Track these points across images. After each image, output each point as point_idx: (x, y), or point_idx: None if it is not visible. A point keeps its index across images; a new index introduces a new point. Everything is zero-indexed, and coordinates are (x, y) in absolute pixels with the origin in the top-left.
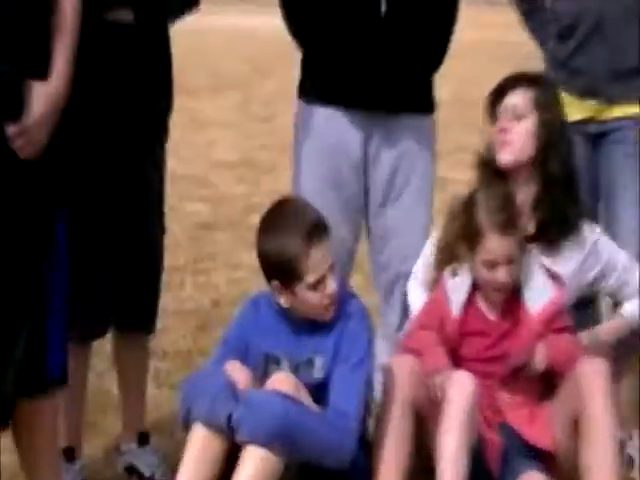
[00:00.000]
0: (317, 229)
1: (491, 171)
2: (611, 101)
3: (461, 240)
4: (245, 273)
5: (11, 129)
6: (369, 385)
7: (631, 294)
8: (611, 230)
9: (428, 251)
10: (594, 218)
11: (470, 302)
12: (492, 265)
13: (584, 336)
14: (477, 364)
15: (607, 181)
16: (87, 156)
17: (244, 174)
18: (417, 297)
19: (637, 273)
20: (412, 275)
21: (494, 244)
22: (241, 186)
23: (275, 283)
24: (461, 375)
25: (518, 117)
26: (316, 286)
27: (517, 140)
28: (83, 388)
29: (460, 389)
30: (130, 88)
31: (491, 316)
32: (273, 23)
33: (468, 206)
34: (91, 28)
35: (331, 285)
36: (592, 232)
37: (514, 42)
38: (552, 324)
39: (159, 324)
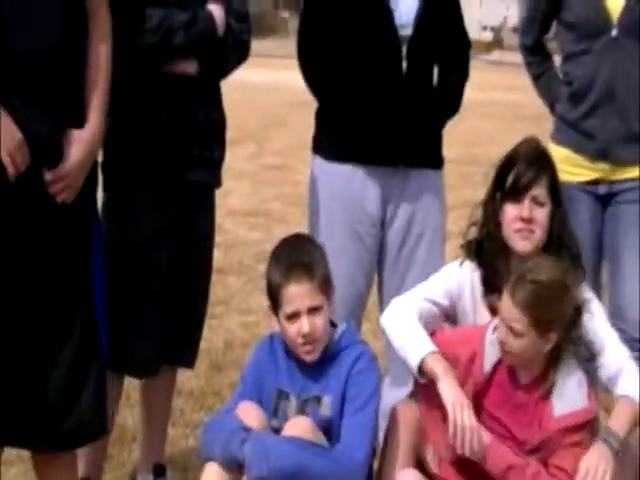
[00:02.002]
0: (299, 267)
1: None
2: (622, 164)
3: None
4: (256, 317)
5: (48, 176)
6: (374, 427)
7: (618, 370)
8: (617, 292)
9: (436, 289)
10: (597, 275)
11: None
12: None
13: (600, 445)
14: (492, 422)
15: (614, 243)
16: (146, 200)
17: (257, 222)
18: (406, 325)
19: (623, 348)
20: (407, 296)
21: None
22: (253, 233)
23: (269, 305)
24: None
25: (540, 204)
26: (291, 319)
27: (539, 229)
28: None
29: None
30: (189, 140)
31: (520, 382)
32: (281, 77)
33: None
34: (153, 81)
35: (305, 325)
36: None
37: (516, 102)
38: (569, 434)
39: None
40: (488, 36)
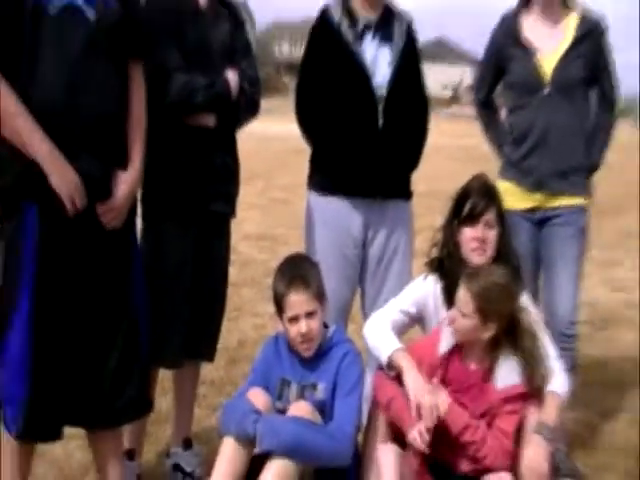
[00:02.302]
0: (298, 280)
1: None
2: (554, 194)
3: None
4: (265, 320)
5: (101, 208)
6: (360, 408)
7: (551, 369)
8: (551, 296)
9: (406, 300)
10: (535, 282)
11: (456, 348)
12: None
13: (533, 431)
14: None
15: (548, 257)
16: (174, 229)
17: (265, 245)
18: (380, 331)
19: (553, 349)
20: (383, 310)
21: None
22: (262, 254)
23: (275, 310)
24: (387, 449)
25: (490, 227)
26: (292, 321)
27: (490, 247)
28: None
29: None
30: (209, 180)
31: (469, 366)
32: (284, 129)
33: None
34: (180, 132)
35: (303, 326)
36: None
37: (470, 147)
38: (508, 403)
39: None
40: (448, 93)
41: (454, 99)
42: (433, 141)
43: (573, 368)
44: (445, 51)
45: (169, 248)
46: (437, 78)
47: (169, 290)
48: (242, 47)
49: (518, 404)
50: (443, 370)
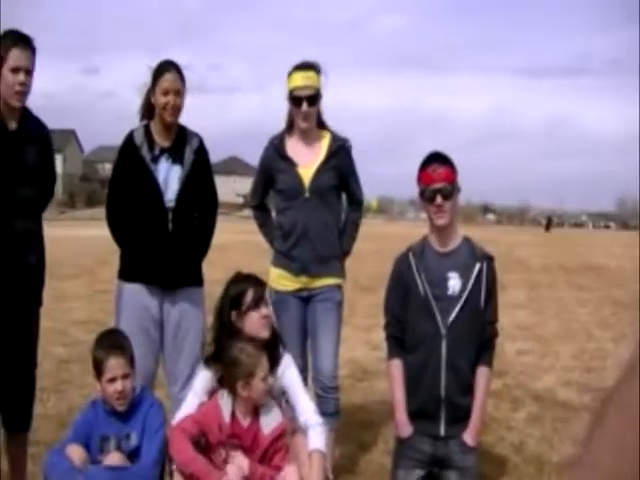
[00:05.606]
0: (116, 348)
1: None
2: (315, 277)
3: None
4: (90, 391)
5: None
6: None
7: (306, 422)
8: (316, 357)
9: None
10: (303, 348)
11: (233, 412)
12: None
13: None
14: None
15: (313, 326)
16: None
17: (90, 328)
18: (189, 403)
19: (311, 404)
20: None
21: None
22: (88, 336)
23: (95, 373)
24: None
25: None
26: (110, 382)
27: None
28: None
29: None
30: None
31: (244, 423)
32: (106, 233)
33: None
34: None
35: (119, 385)
36: (287, 364)
37: (258, 242)
38: (277, 442)
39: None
40: (240, 200)
41: (245, 204)
42: (229, 238)
43: (336, 413)
44: (238, 166)
45: None
46: (231, 188)
47: None
48: (48, 165)
49: (283, 441)
50: (232, 432)
